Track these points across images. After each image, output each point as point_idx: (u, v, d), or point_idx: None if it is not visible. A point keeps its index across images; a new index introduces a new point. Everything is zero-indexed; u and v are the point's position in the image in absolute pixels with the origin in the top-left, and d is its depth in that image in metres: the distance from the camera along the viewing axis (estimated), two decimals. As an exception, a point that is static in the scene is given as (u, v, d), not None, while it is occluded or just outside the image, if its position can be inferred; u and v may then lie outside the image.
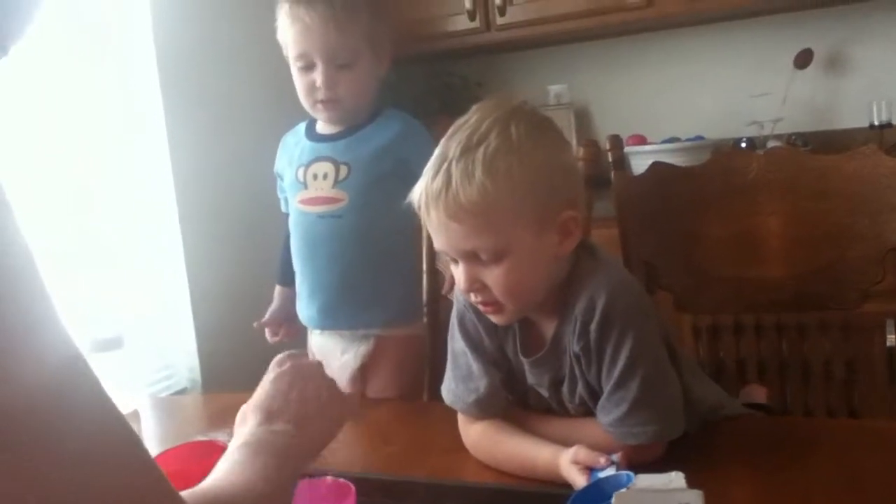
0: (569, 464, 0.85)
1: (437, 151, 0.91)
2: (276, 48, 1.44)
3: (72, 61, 1.86)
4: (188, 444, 0.92)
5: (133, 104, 2.00)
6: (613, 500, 0.66)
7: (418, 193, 0.91)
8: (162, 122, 1.99)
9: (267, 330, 1.56)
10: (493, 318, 0.96)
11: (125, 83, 1.99)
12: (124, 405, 1.27)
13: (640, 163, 2.24)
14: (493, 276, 0.90)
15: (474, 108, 0.94)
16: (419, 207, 0.92)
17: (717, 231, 1.28)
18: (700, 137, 2.41)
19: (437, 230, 0.91)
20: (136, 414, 1.29)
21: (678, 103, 2.59)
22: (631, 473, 0.75)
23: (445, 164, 0.88)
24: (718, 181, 1.28)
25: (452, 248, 0.91)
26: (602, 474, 0.81)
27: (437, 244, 0.93)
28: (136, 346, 1.79)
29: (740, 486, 0.88)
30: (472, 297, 0.94)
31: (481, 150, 0.87)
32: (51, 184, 1.78)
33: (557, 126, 0.97)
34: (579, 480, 0.82)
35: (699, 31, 2.54)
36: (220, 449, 0.86)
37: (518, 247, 0.89)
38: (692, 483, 0.68)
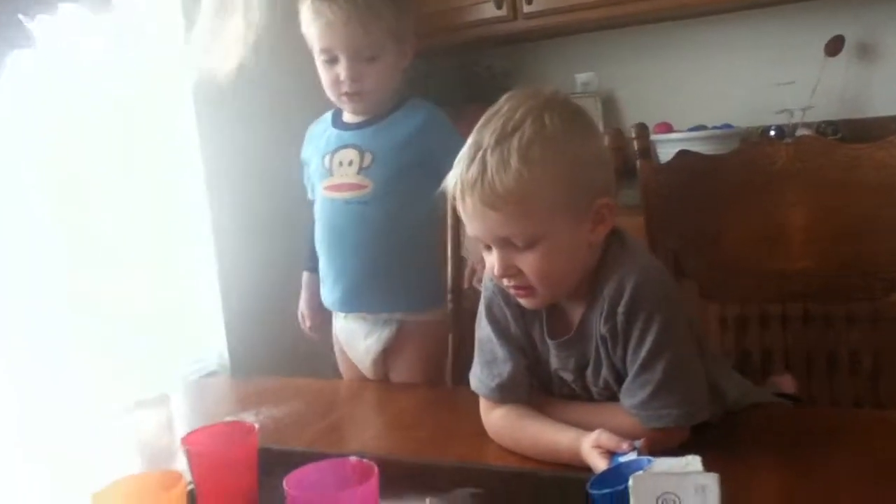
0: (590, 448, 0.86)
1: (470, 140, 0.93)
2: (303, 38, 1.45)
3: (104, 54, 1.88)
4: (218, 425, 0.93)
5: (164, 94, 2.03)
6: (630, 481, 0.66)
7: (453, 181, 0.93)
8: (192, 110, 2.02)
9: (304, 318, 1.59)
10: (525, 303, 0.97)
11: (157, 75, 2.02)
12: (154, 389, 1.31)
13: (666, 151, 2.22)
14: (528, 262, 0.91)
15: (506, 96, 0.95)
16: (453, 195, 0.93)
17: (744, 220, 1.28)
18: (728, 125, 2.39)
19: (473, 217, 0.92)
20: (165, 397, 1.32)
21: (706, 91, 2.57)
22: (652, 458, 0.75)
23: (481, 153, 0.90)
24: (746, 170, 1.28)
25: (487, 235, 0.92)
26: (623, 459, 0.81)
27: (472, 230, 0.94)
28: (167, 332, 1.82)
29: (763, 473, 0.88)
30: (506, 283, 0.95)
31: (516, 138, 0.89)
32: (85, 172, 1.82)
33: (589, 114, 0.99)
34: (600, 464, 0.83)
35: (728, 19, 2.51)
36: (248, 429, 0.88)
37: (553, 233, 0.90)
38: (714, 469, 0.68)
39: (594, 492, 0.74)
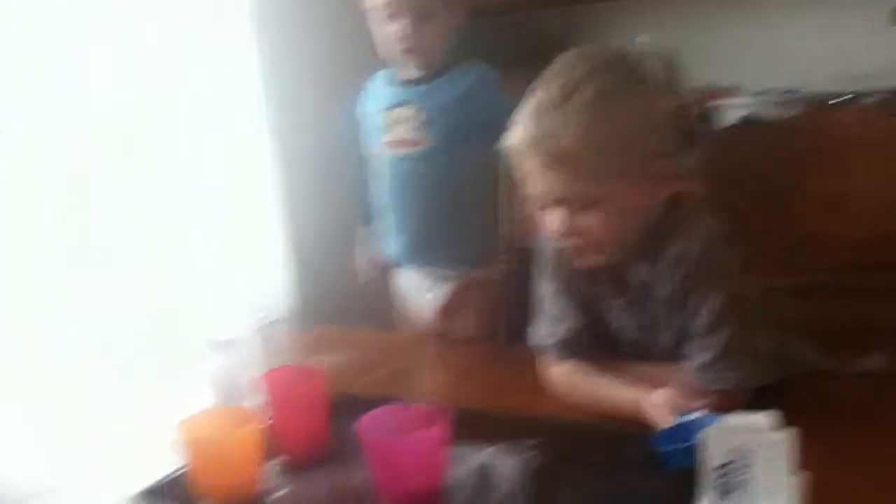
0: (653, 405, 0.87)
1: (530, 99, 0.93)
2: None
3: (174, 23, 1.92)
4: (286, 368, 0.97)
5: (230, 54, 2.07)
6: (703, 435, 0.67)
7: (512, 141, 0.93)
8: (258, 67, 2.06)
9: (360, 271, 1.63)
10: (583, 262, 0.98)
11: (224, 36, 2.06)
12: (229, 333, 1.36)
13: (729, 116, 2.18)
14: (586, 222, 0.92)
15: (566, 55, 0.94)
16: (512, 155, 0.93)
17: (810, 187, 1.26)
18: (793, 90, 2.33)
19: (532, 177, 0.92)
20: (244, 339, 1.37)
21: (771, 54, 2.50)
22: (715, 417, 0.76)
23: (540, 113, 0.90)
24: (811, 136, 1.26)
25: (546, 195, 0.93)
26: (687, 420, 0.82)
27: (531, 190, 0.95)
28: (239, 281, 1.88)
29: (824, 441, 0.88)
30: (564, 242, 0.96)
31: (576, 98, 0.88)
32: (162, 132, 1.86)
33: (650, 75, 0.97)
34: (663, 421, 0.84)
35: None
36: (317, 372, 0.92)
37: (612, 194, 0.90)
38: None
39: (663, 448, 0.75)
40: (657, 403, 0.87)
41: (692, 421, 0.78)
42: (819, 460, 0.67)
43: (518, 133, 0.92)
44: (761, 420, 0.67)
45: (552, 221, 0.94)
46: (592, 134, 0.87)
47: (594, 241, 0.93)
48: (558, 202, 0.92)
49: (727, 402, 0.89)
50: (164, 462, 0.81)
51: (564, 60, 0.93)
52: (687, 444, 0.71)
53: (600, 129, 0.88)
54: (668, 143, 0.94)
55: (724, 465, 0.65)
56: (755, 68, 2.49)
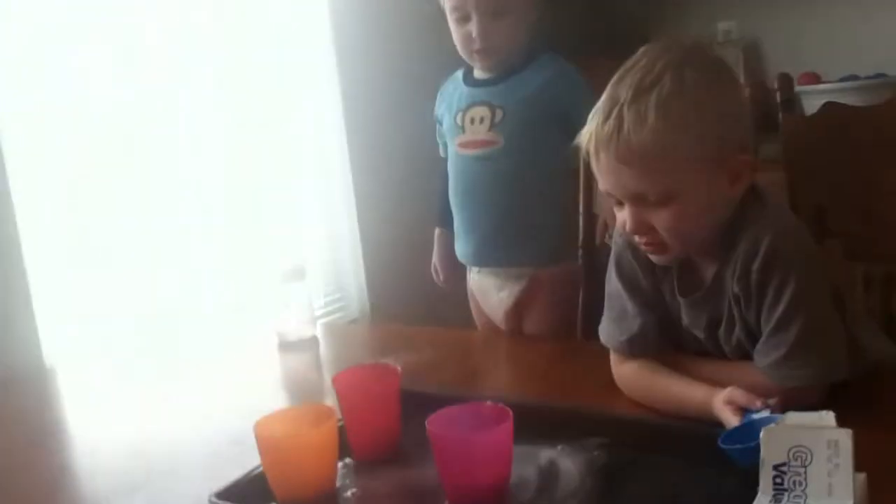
0: (722, 404, 0.86)
1: (606, 94, 0.92)
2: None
3: (253, 32, 1.99)
4: (361, 366, 1.01)
5: (308, 57, 2.13)
6: (762, 434, 0.67)
7: (587, 136, 0.93)
8: (335, 71, 2.12)
9: (437, 272, 1.65)
10: (656, 259, 0.98)
11: (303, 43, 2.13)
12: (307, 332, 1.42)
13: (813, 102, 2.11)
14: (661, 218, 0.91)
15: (644, 49, 0.94)
16: (587, 150, 0.93)
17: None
18: (882, 75, 2.23)
19: (606, 173, 0.92)
20: (315, 339, 1.43)
21: (856, 38, 2.40)
22: (780, 415, 0.75)
23: (617, 108, 0.89)
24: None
25: (621, 191, 0.92)
26: (756, 417, 0.81)
27: (605, 186, 0.94)
28: (315, 281, 1.95)
29: (882, 441, 0.85)
30: (637, 238, 0.95)
31: (654, 93, 0.88)
32: (239, 136, 1.94)
33: (731, 67, 0.96)
34: (732, 420, 0.83)
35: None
36: (391, 370, 0.95)
37: (687, 190, 0.90)
38: (852, 428, 0.67)
39: (727, 446, 0.75)
40: (727, 401, 0.86)
41: (760, 420, 0.77)
42: (876, 461, 0.66)
43: (592, 128, 0.92)
44: (822, 418, 0.66)
45: (623, 217, 0.94)
46: (668, 130, 0.87)
47: (668, 237, 0.92)
48: (631, 198, 0.92)
49: (802, 399, 0.87)
50: (240, 462, 0.84)
51: (642, 53, 0.93)
52: (754, 443, 0.70)
53: (676, 125, 0.87)
54: (748, 136, 0.94)
55: (782, 464, 0.64)
56: (840, 53, 2.40)
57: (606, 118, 0.90)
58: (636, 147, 0.87)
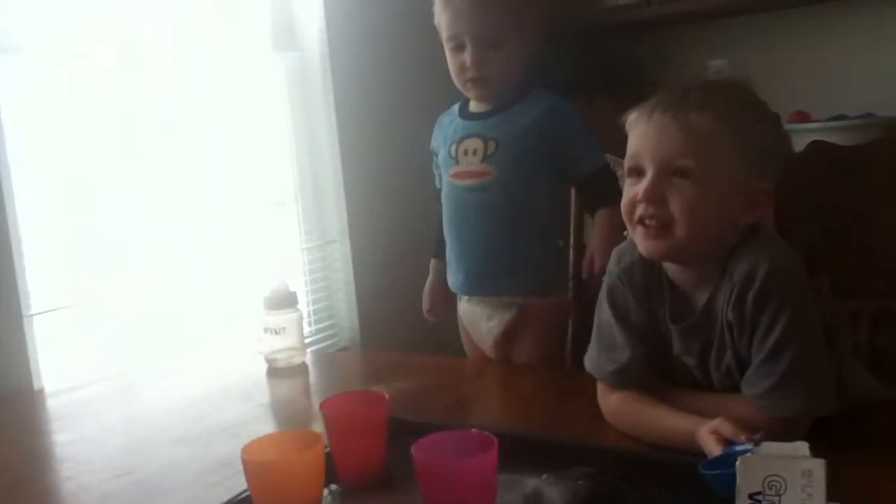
0: (707, 434, 0.87)
1: (653, 102, 0.97)
2: (434, 33, 1.52)
3: (250, 49, 2.03)
4: (349, 393, 1.01)
5: (307, 89, 2.16)
6: (738, 462, 0.68)
7: (638, 111, 0.97)
8: (331, 98, 2.14)
9: (426, 302, 1.66)
10: (650, 245, 0.96)
11: (302, 70, 2.16)
12: (297, 358, 1.42)
13: (802, 141, 2.13)
14: (679, 192, 0.92)
15: (676, 82, 1.00)
16: (629, 117, 0.97)
17: (884, 215, 1.23)
18: (870, 115, 2.27)
19: (647, 133, 0.95)
20: (304, 366, 1.43)
21: (845, 78, 2.44)
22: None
23: (681, 92, 0.95)
24: (887, 161, 1.23)
25: (654, 153, 0.94)
26: (739, 449, 0.81)
27: (637, 147, 0.96)
28: (306, 309, 1.96)
29: (887, 472, 0.87)
30: (642, 211, 0.95)
31: (720, 95, 0.96)
32: (232, 164, 1.97)
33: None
34: (715, 449, 0.84)
35: (868, 2, 2.38)
36: (379, 398, 0.95)
37: (712, 181, 0.92)
38: (835, 465, 0.67)
39: (706, 472, 0.76)
40: (712, 432, 0.87)
41: (742, 451, 0.78)
42: (856, 491, 0.66)
43: (649, 102, 0.96)
44: (797, 449, 0.67)
45: (635, 192, 0.95)
46: (724, 124, 0.92)
47: (679, 215, 0.92)
48: (658, 164, 0.93)
49: (786, 431, 0.87)
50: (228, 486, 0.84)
51: (682, 83, 0.98)
52: (732, 470, 0.71)
53: (732, 125, 0.93)
54: (776, 170, 0.98)
55: (758, 493, 0.65)
56: (829, 92, 2.44)
57: (669, 95, 0.95)
58: (695, 119, 0.92)
